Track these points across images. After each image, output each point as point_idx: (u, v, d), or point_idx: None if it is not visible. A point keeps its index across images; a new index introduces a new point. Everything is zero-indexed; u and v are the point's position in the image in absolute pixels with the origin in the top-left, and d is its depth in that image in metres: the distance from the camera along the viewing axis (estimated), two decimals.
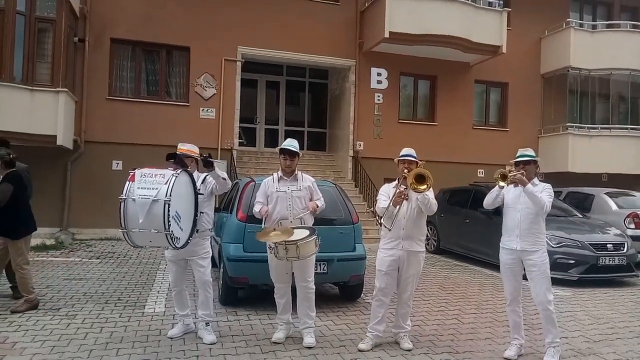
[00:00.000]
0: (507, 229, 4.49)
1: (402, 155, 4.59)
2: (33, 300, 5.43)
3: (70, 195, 11.59)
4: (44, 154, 10.72)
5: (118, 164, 12.08)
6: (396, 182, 4.60)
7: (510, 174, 4.30)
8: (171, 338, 4.60)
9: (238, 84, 13.12)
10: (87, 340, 4.51)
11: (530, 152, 4.54)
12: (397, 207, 4.40)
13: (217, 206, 8.00)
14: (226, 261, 5.62)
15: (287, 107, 15.39)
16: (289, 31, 13.34)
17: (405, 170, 4.43)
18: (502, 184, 4.35)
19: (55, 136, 10.29)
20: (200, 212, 4.44)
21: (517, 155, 4.54)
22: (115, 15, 12.06)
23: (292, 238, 4.20)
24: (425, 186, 4.25)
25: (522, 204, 4.37)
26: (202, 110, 12.83)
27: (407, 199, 4.43)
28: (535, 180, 4.45)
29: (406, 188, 4.39)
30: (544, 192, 4.33)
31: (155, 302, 5.94)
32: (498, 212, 8.84)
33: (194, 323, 4.82)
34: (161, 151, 12.13)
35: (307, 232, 4.34)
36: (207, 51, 12.75)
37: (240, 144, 13.63)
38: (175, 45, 12.75)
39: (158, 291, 6.50)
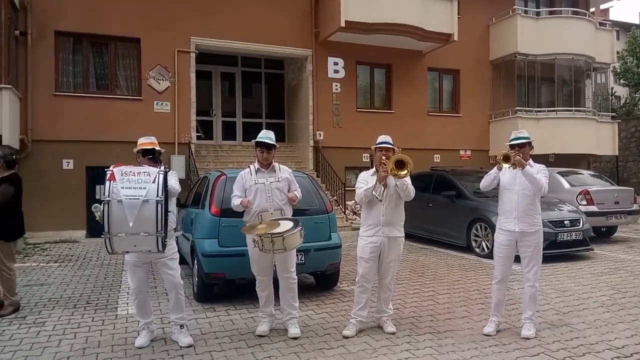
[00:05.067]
0: (504, 211, 4.56)
1: (380, 143, 4.61)
2: (17, 302, 5.45)
3: None
4: None
5: (69, 162, 11.58)
6: (374, 169, 4.64)
7: (511, 155, 4.33)
8: (140, 348, 4.29)
9: (193, 76, 12.78)
10: (62, 348, 4.30)
11: (525, 133, 4.59)
12: (383, 183, 4.43)
13: (183, 202, 7.83)
14: (201, 257, 5.50)
15: (243, 98, 15.16)
16: (244, 21, 13.11)
17: (384, 157, 4.47)
18: (506, 165, 4.37)
19: (0, 136, 9.68)
20: (168, 211, 4.21)
21: (512, 137, 4.58)
22: (59, 6, 11.43)
23: (278, 230, 4.15)
24: (405, 171, 4.29)
25: (518, 186, 4.45)
26: (157, 104, 12.43)
27: (386, 186, 4.46)
28: (531, 161, 4.52)
29: (386, 172, 4.41)
30: (540, 174, 4.44)
31: (127, 303, 5.72)
32: (460, 195, 9.24)
33: (163, 329, 4.65)
34: (114, 148, 11.79)
35: (291, 224, 4.30)
36: (159, 42, 12.34)
37: (198, 138, 13.34)
38: (125, 36, 12.24)
39: (127, 292, 6.25)
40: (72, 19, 11.57)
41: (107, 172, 3.78)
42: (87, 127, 11.55)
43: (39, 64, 11.28)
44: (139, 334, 4.45)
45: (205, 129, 14.25)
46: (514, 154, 4.36)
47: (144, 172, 3.79)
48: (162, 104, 12.46)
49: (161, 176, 3.80)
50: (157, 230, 3.66)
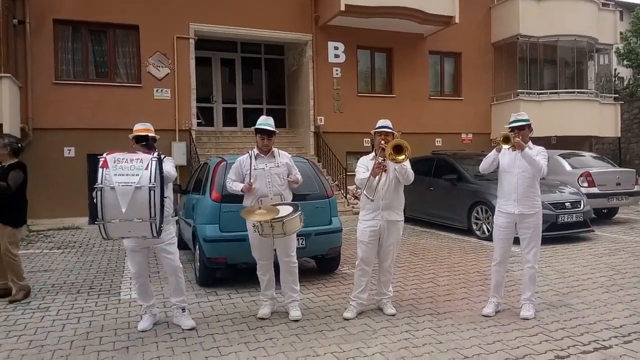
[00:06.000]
0: (503, 193, 4.57)
1: (379, 127, 4.61)
2: (27, 286, 5.54)
3: None
4: None
5: (70, 150, 11.63)
6: (373, 153, 4.64)
7: (511, 137, 4.32)
8: (143, 331, 4.33)
9: (192, 62, 12.73)
10: (66, 332, 4.36)
11: (524, 116, 4.58)
12: (377, 177, 4.45)
13: (184, 188, 7.86)
14: (203, 242, 5.54)
15: (243, 84, 15.10)
16: (243, 6, 13.01)
17: (383, 142, 4.47)
18: (505, 146, 4.36)
19: (1, 125, 9.70)
20: (165, 197, 4.21)
21: (512, 120, 4.56)
22: None
23: (278, 215, 4.17)
24: (403, 156, 4.29)
25: (518, 168, 4.45)
26: (156, 90, 12.40)
27: (385, 170, 4.47)
28: (530, 143, 4.52)
29: (384, 159, 4.43)
30: (539, 155, 4.43)
31: (130, 288, 5.77)
32: (460, 178, 9.24)
33: (165, 312, 4.70)
34: (115, 135, 11.84)
35: (291, 209, 4.32)
36: (158, 29, 12.28)
37: (199, 124, 13.33)
38: (123, 23, 12.18)
39: (130, 277, 6.31)
40: (70, 6, 11.52)
41: (100, 160, 3.78)
42: (88, 114, 11.55)
43: (38, 52, 11.25)
44: (141, 318, 4.50)
45: (205, 116, 14.23)
46: (513, 135, 4.36)
47: (137, 159, 3.80)
48: (162, 90, 12.43)
49: (154, 163, 3.80)
50: (150, 217, 3.69)
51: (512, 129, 4.48)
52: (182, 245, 7.36)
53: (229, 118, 14.81)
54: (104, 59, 12.33)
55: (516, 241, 4.64)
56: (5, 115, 9.73)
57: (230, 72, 15.05)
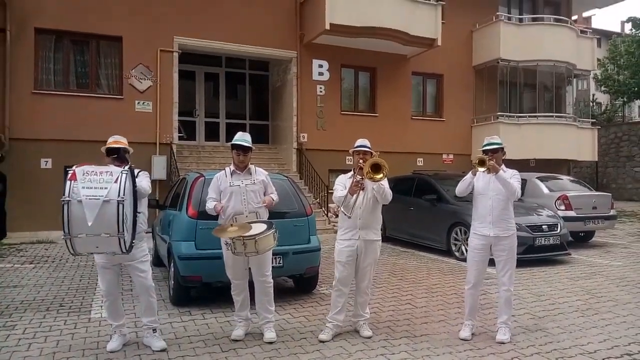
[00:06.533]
0: (478, 216, 4.59)
1: (357, 146, 4.61)
2: None
3: None
4: None
5: (47, 162, 11.40)
6: (352, 172, 4.63)
7: (486, 160, 4.39)
8: (111, 352, 4.19)
9: (176, 76, 12.68)
10: (32, 352, 4.20)
11: (497, 139, 4.65)
12: (354, 195, 4.43)
13: (162, 203, 7.74)
14: (178, 260, 5.42)
15: (227, 99, 15.07)
16: (228, 21, 13.05)
17: (361, 161, 4.47)
18: (481, 169, 4.43)
19: None
20: (138, 212, 4.12)
21: (485, 143, 4.63)
22: (39, 2, 11.26)
23: (250, 233, 4.11)
24: (381, 175, 4.29)
25: (492, 191, 4.49)
26: (138, 103, 12.29)
27: (363, 189, 4.46)
28: (503, 166, 4.58)
29: (362, 178, 4.42)
30: (513, 178, 4.50)
31: (101, 306, 5.59)
32: (440, 199, 9.28)
33: (136, 332, 4.57)
34: (94, 147, 11.54)
35: (264, 226, 4.26)
36: (141, 41, 12.22)
37: (180, 138, 13.21)
38: (107, 35, 12.10)
39: (101, 295, 6.16)
40: (53, 15, 11.41)
41: (69, 172, 3.69)
42: (67, 126, 11.37)
43: (18, 61, 11.09)
44: (111, 338, 4.36)
45: (188, 130, 14.13)
46: (488, 158, 4.41)
47: (107, 172, 3.71)
48: (143, 103, 12.33)
49: (124, 176, 3.71)
50: (118, 232, 3.59)
51: (486, 152, 4.53)
52: (158, 262, 7.24)
53: (212, 133, 14.73)
54: (86, 69, 12.20)
55: (492, 263, 4.64)
56: None
57: (214, 86, 15.03)
